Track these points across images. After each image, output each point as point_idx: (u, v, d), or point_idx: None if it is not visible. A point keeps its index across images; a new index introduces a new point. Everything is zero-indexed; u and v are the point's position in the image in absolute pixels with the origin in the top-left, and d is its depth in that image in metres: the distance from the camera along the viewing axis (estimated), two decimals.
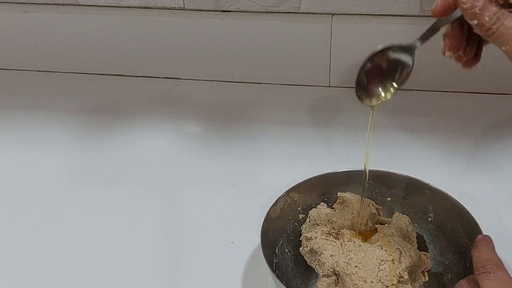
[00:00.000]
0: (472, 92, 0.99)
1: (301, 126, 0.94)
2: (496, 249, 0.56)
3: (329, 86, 1.03)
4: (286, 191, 0.69)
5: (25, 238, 0.77)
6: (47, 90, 1.07)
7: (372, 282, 0.59)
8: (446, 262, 0.66)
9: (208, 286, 0.69)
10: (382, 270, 0.60)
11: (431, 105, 0.98)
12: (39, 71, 1.11)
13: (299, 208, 0.71)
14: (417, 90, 1.00)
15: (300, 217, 0.71)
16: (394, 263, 0.61)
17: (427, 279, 0.65)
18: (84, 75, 1.10)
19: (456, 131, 0.91)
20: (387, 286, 0.59)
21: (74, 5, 1.05)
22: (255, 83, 1.05)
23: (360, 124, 0.93)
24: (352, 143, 0.89)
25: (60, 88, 1.07)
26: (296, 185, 0.70)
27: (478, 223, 0.63)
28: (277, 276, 0.63)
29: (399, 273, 0.60)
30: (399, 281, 0.60)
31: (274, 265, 0.65)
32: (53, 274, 0.72)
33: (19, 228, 0.78)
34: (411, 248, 0.63)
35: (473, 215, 0.64)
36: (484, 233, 0.61)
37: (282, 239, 0.69)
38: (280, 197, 0.69)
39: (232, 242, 0.73)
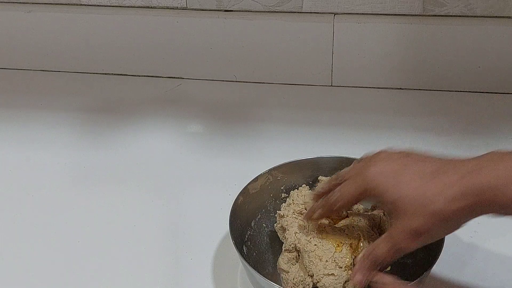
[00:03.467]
0: (472, 92, 0.99)
1: (304, 126, 0.94)
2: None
3: (331, 85, 1.03)
4: (269, 169, 0.72)
5: (28, 237, 0.77)
6: (49, 90, 1.07)
7: (327, 261, 0.61)
8: (417, 256, 0.67)
9: (212, 285, 0.69)
10: (338, 252, 0.62)
11: (431, 105, 0.98)
12: (41, 70, 1.11)
13: (282, 187, 0.73)
14: (417, 89, 1.00)
15: (283, 196, 0.73)
16: (351, 247, 0.63)
17: (388, 268, 0.66)
18: (87, 74, 1.10)
19: (456, 130, 0.91)
20: (341, 267, 0.61)
21: (77, 4, 1.05)
22: (257, 82, 1.05)
23: (362, 123, 0.94)
24: (354, 143, 0.90)
25: (63, 88, 1.07)
26: (280, 164, 0.72)
27: None
28: (248, 246, 0.68)
29: (355, 256, 0.62)
30: (354, 264, 0.62)
31: (247, 237, 0.69)
32: (56, 273, 0.72)
33: (22, 227, 0.78)
34: (373, 235, 0.65)
35: None
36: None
37: (260, 214, 0.72)
38: (261, 174, 0.71)
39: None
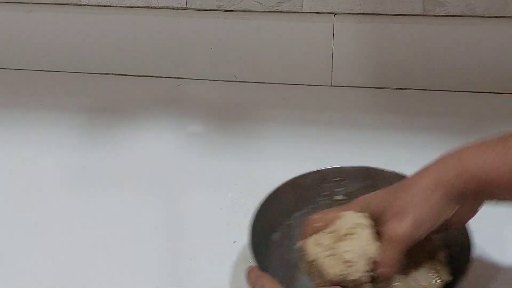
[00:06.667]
0: (472, 92, 0.99)
1: (304, 126, 0.94)
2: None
3: (331, 85, 1.03)
4: (329, 168, 0.71)
5: (28, 237, 0.77)
6: (49, 90, 1.07)
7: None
8: None
9: (211, 286, 0.69)
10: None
11: (431, 104, 0.98)
12: (41, 70, 1.11)
13: (338, 190, 0.72)
14: (417, 89, 1.00)
15: (339, 198, 0.72)
16: None
17: None
18: (86, 74, 1.10)
19: (456, 130, 0.91)
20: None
21: (77, 4, 1.05)
22: (257, 82, 1.05)
23: (363, 123, 0.94)
24: (355, 142, 0.90)
25: (62, 88, 1.08)
26: (340, 167, 0.71)
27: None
28: (283, 232, 0.69)
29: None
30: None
31: (285, 225, 0.70)
32: (56, 273, 0.72)
33: (22, 227, 0.78)
34: None
35: None
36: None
37: (307, 208, 0.71)
38: (319, 170, 0.71)
39: (235, 242, 0.73)
